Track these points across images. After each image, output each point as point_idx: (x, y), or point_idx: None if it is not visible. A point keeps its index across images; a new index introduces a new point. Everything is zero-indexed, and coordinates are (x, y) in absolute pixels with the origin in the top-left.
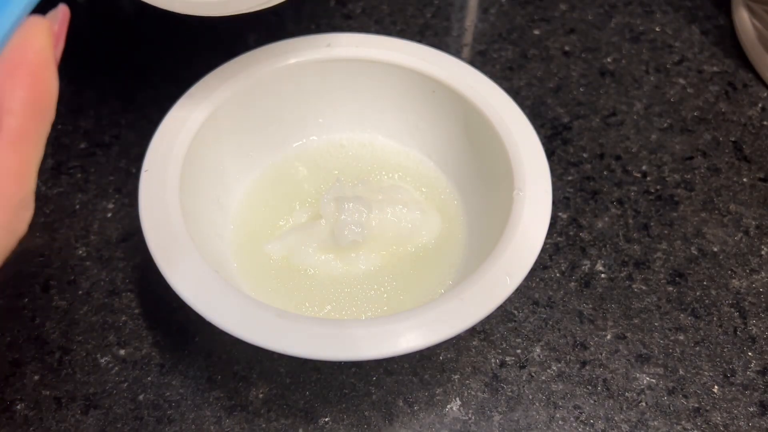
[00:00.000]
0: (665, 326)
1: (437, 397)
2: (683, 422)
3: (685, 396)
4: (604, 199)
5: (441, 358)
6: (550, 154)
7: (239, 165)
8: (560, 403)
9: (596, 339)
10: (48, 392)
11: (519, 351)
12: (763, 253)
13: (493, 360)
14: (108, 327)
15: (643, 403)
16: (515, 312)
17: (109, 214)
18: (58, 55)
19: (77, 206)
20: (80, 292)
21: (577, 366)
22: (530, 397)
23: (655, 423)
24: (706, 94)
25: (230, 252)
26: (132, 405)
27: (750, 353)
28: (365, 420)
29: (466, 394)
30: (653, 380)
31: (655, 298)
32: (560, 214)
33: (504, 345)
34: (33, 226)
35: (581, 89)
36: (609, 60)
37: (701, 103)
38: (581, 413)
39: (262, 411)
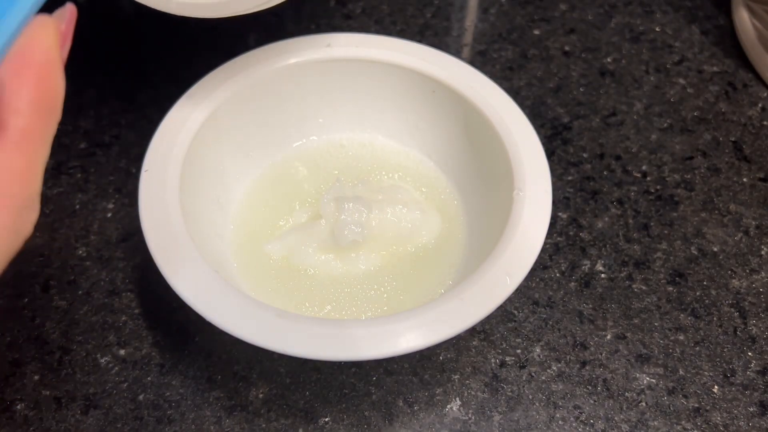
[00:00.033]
0: (665, 326)
1: (437, 397)
2: (683, 422)
3: (685, 396)
4: (604, 199)
5: (441, 358)
6: (550, 154)
7: (239, 165)
8: (560, 403)
9: (596, 339)
10: (48, 392)
11: (519, 351)
12: (763, 253)
13: (493, 360)
14: (108, 327)
15: (643, 403)
16: (515, 312)
17: (109, 214)
18: (64, 54)
19: (77, 206)
20: (80, 292)
21: (577, 366)
22: (530, 397)
23: (655, 423)
24: (706, 94)
25: (230, 252)
26: (132, 405)
27: (750, 353)
28: (365, 420)
29: (466, 394)
30: (653, 380)
31: (655, 298)
32: (560, 214)
33: (504, 345)
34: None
35: (581, 89)
36: (609, 60)
37: (701, 103)
38: (581, 413)
39: (262, 411)
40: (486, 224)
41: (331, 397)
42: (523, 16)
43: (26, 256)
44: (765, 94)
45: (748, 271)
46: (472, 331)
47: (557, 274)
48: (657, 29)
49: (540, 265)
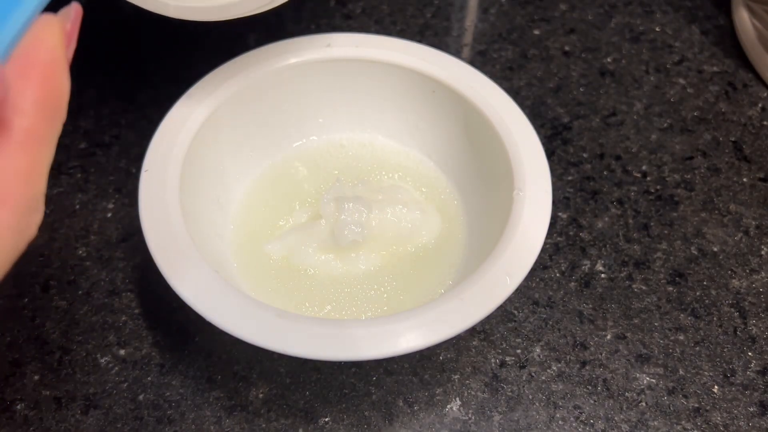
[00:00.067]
0: (665, 326)
1: (437, 397)
2: (683, 422)
3: (685, 396)
4: (604, 199)
5: (441, 358)
6: (550, 154)
7: (239, 165)
8: (560, 403)
9: (596, 339)
10: (48, 392)
11: (519, 351)
12: (763, 253)
13: (493, 360)
14: (108, 327)
15: (643, 403)
16: (515, 312)
17: (109, 214)
18: (70, 54)
19: (77, 206)
20: (80, 292)
21: (577, 366)
22: (530, 397)
23: (655, 423)
24: (706, 94)
25: (230, 252)
26: (132, 405)
27: (750, 353)
28: (365, 420)
29: (466, 394)
30: (653, 380)
31: (655, 298)
32: (560, 214)
33: (504, 345)
34: None
35: (581, 89)
36: (609, 60)
37: (701, 103)
38: (581, 413)
39: (262, 411)
40: (486, 224)
41: (331, 397)
42: (523, 16)
43: (26, 256)
44: (765, 94)
45: (748, 271)
46: (472, 331)
47: (557, 274)
48: (657, 29)
49: (540, 265)
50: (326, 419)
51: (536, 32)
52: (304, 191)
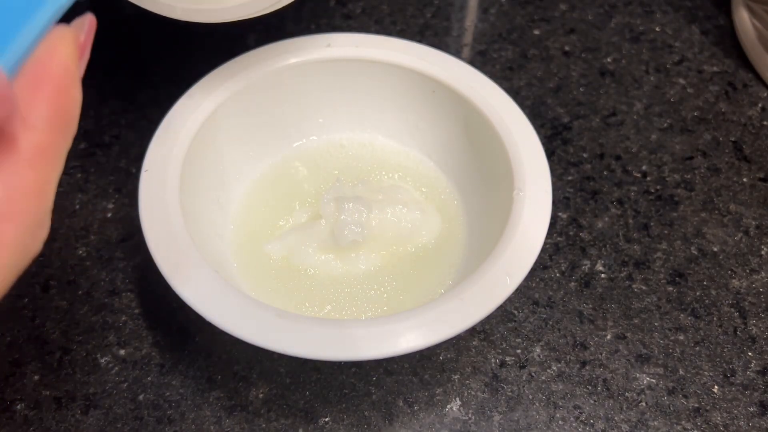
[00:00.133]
0: (665, 326)
1: (437, 397)
2: (683, 422)
3: (685, 396)
4: (604, 199)
5: (441, 358)
6: (550, 154)
7: (239, 165)
8: (560, 403)
9: (596, 339)
10: (48, 392)
11: (519, 351)
12: (763, 253)
13: (493, 360)
14: (108, 327)
15: (643, 403)
16: (515, 312)
17: (109, 214)
18: (83, 67)
19: (77, 206)
20: (80, 292)
21: (577, 366)
22: (530, 397)
23: (655, 423)
24: (706, 94)
25: (230, 252)
26: (132, 405)
27: (750, 353)
28: (365, 420)
29: (466, 394)
30: (653, 380)
31: (655, 298)
32: (560, 214)
33: (504, 345)
34: None
35: (581, 89)
36: (609, 60)
37: (701, 103)
38: (581, 413)
39: (262, 411)
40: (486, 224)
41: (331, 397)
42: (523, 16)
43: None
44: (765, 94)
45: (748, 271)
46: (472, 331)
47: (557, 274)
48: (657, 29)
49: (540, 265)
50: (326, 419)
51: (536, 32)
52: (304, 191)
